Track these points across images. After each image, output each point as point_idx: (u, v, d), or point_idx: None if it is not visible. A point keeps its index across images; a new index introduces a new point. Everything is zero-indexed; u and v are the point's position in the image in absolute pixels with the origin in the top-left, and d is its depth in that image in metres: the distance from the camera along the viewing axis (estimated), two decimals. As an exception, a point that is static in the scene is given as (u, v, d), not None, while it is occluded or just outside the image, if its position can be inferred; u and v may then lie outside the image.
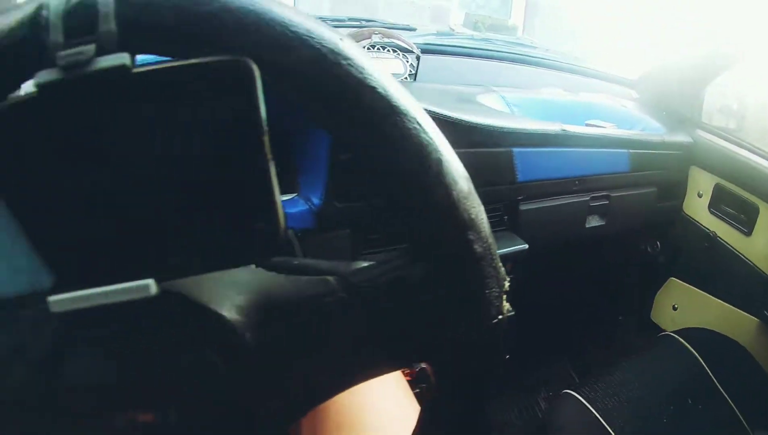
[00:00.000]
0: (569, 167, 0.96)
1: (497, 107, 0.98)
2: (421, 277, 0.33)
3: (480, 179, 0.81)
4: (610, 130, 1.05)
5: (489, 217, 0.70)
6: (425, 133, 0.31)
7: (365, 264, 0.37)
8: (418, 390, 0.95)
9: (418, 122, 0.31)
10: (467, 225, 0.32)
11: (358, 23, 1.09)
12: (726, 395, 1.06)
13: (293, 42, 0.29)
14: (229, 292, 0.34)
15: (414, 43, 0.96)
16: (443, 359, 0.36)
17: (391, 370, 0.37)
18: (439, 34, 1.19)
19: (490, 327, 0.34)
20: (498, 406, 1.33)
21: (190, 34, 0.29)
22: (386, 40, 0.93)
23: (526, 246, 0.87)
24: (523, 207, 0.90)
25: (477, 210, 0.32)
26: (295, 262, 0.55)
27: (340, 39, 0.30)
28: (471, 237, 0.32)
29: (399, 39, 0.96)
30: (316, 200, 0.76)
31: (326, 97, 0.30)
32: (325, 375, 0.36)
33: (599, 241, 1.16)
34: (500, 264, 0.34)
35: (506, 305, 0.34)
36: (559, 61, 1.33)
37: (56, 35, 0.28)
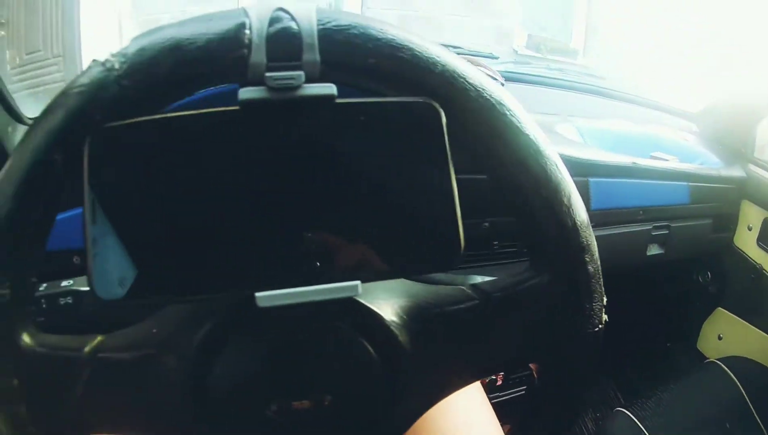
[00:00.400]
0: (636, 197, 1.01)
1: (572, 136, 1.04)
2: (542, 289, 0.39)
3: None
4: (673, 163, 1.11)
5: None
6: (560, 172, 0.38)
7: (491, 278, 0.43)
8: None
9: (555, 163, 0.38)
10: (584, 249, 0.38)
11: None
12: (762, 424, 1.10)
13: (470, 92, 0.35)
14: (389, 297, 0.38)
15: (498, 71, 1.02)
16: (552, 361, 0.43)
17: (505, 369, 0.44)
18: (516, 62, 1.24)
19: (593, 335, 0.40)
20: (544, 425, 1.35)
21: (385, 75, 0.33)
22: (471, 68, 0.98)
23: None
24: (594, 233, 0.95)
25: (592, 237, 0.39)
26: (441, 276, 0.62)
27: (503, 93, 0.36)
28: (586, 259, 0.39)
29: (484, 67, 1.01)
30: None
31: (488, 139, 0.36)
32: (451, 374, 0.41)
33: (655, 269, 1.20)
34: (602, 280, 0.40)
35: (605, 317, 0.41)
36: (626, 92, 1.38)
37: (259, 56, 0.31)
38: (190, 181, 0.31)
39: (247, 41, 0.31)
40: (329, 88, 0.31)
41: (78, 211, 0.65)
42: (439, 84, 0.34)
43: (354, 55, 0.32)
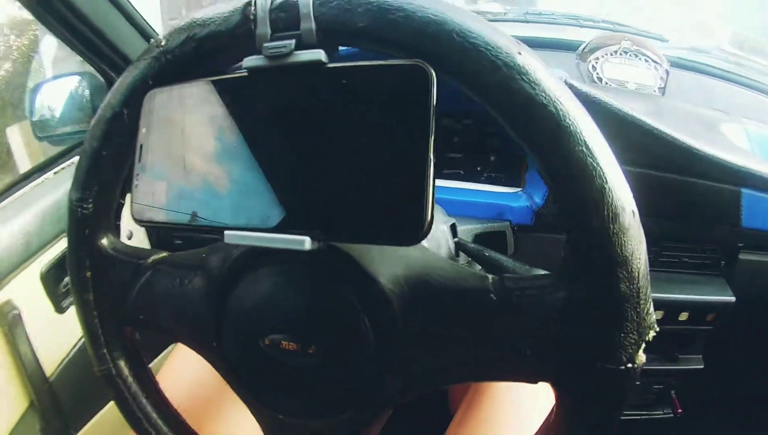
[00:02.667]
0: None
1: (738, 140, 0.90)
2: (562, 303, 0.33)
3: (697, 214, 0.77)
4: None
5: (701, 259, 0.69)
6: (592, 156, 0.31)
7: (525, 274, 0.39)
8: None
9: (586, 144, 0.31)
10: (619, 261, 0.31)
11: (611, 26, 1.06)
12: None
13: (470, 52, 0.31)
14: (392, 263, 0.38)
15: (665, 56, 0.91)
16: (564, 387, 0.36)
17: (510, 379, 0.38)
18: (692, 49, 1.10)
19: (616, 372, 0.33)
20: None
21: (378, 38, 0.34)
22: (635, 47, 0.90)
23: (733, 299, 0.80)
24: (743, 256, 0.82)
25: (635, 247, 0.31)
26: (473, 247, 0.58)
27: (519, 52, 0.31)
28: (620, 274, 0.31)
29: (649, 49, 0.91)
30: (537, 199, 0.77)
31: (499, 104, 0.32)
32: (447, 363, 0.38)
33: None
34: (650, 310, 0.33)
35: (641, 356, 0.33)
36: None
37: (263, 28, 0.35)
38: (210, 135, 0.38)
39: (252, 16, 0.36)
40: (317, 54, 0.34)
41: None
42: (433, 44, 0.32)
43: (345, 19, 0.34)
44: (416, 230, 0.31)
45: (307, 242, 0.34)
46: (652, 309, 0.33)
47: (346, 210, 0.33)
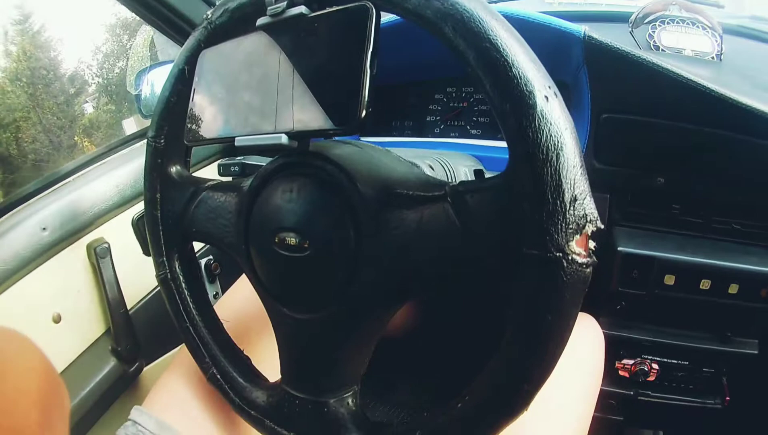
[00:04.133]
0: None
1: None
2: (499, 195, 0.36)
3: (752, 178, 0.74)
4: None
5: (753, 228, 0.81)
6: (497, 51, 0.36)
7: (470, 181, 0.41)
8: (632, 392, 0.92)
9: (490, 41, 0.36)
10: (537, 143, 0.33)
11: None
12: None
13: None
14: (373, 173, 0.46)
15: (721, 23, 0.88)
16: (506, 276, 0.36)
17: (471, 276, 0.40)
18: (754, 18, 1.03)
19: (543, 260, 0.34)
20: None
21: None
22: (685, 13, 0.87)
23: None
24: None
25: (555, 132, 0.34)
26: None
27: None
28: (537, 158, 0.33)
29: (701, 14, 0.88)
30: None
31: (426, 23, 0.39)
32: (411, 265, 0.42)
33: None
34: (584, 201, 0.33)
35: (575, 247, 0.33)
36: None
37: None
38: (236, 77, 0.48)
39: None
40: (300, 9, 0.45)
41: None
42: None
43: None
44: (354, 120, 0.39)
45: (283, 138, 0.43)
46: (585, 199, 0.34)
47: (309, 112, 0.42)
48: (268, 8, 0.46)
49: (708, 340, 0.85)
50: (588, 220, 0.33)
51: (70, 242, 0.90)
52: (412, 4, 0.39)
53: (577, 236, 0.33)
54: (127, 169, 0.99)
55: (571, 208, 0.33)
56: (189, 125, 0.51)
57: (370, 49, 0.39)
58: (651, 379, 0.89)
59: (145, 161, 0.61)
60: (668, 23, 0.87)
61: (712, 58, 0.85)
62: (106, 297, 0.91)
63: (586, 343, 0.75)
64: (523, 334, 0.36)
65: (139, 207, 0.99)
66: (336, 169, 0.45)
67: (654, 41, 0.86)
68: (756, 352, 0.84)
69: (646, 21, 0.87)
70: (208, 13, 0.55)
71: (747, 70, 0.83)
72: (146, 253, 0.97)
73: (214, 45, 0.51)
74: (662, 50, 0.86)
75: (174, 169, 0.61)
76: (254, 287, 0.54)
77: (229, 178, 0.71)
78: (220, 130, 0.49)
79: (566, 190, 0.33)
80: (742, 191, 0.77)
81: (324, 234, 0.45)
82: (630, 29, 0.88)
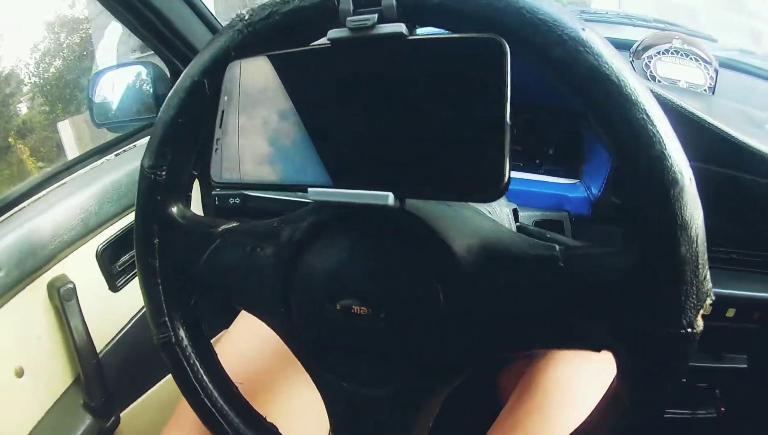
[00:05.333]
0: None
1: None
2: (625, 268, 0.34)
3: (745, 211, 0.76)
4: None
5: (750, 257, 0.67)
6: (652, 124, 0.32)
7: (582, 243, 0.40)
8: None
9: (646, 112, 0.32)
10: (679, 224, 0.32)
11: (662, 25, 1.06)
12: None
13: (539, 26, 0.33)
14: (465, 232, 0.39)
15: (714, 56, 0.90)
16: (627, 354, 0.36)
17: (574, 347, 0.39)
18: (743, 51, 1.10)
19: (677, 337, 0.33)
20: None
21: (454, 11, 0.35)
22: (686, 46, 0.89)
23: None
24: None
25: (693, 211, 0.32)
26: (535, 229, 0.59)
27: (582, 29, 0.33)
28: (680, 237, 0.32)
29: (698, 48, 0.90)
30: (595, 190, 0.77)
31: (564, 75, 0.34)
32: (513, 330, 0.38)
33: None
34: (707, 275, 0.33)
35: (699, 322, 0.33)
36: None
37: (347, 4, 0.37)
38: (289, 100, 0.39)
39: None
40: (399, 27, 0.35)
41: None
42: (505, 18, 0.34)
43: None
44: (496, 187, 0.32)
45: (390, 198, 0.35)
46: (708, 275, 0.33)
47: (428, 168, 0.35)
48: (348, 19, 0.37)
49: (703, 359, 0.88)
50: (708, 293, 0.33)
51: (28, 282, 0.78)
52: (558, 55, 0.33)
53: (702, 310, 0.33)
54: (90, 192, 0.87)
55: (703, 284, 0.33)
56: (221, 161, 0.41)
57: (508, 97, 0.32)
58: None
59: (139, 196, 0.48)
60: (664, 54, 0.89)
61: (705, 90, 0.87)
62: (73, 344, 0.80)
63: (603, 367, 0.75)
64: (641, 404, 0.37)
65: (105, 236, 0.88)
66: (421, 224, 0.38)
67: (650, 71, 0.87)
68: (745, 366, 0.89)
69: (646, 52, 0.89)
70: (244, 12, 0.43)
71: (738, 104, 0.87)
72: (113, 289, 0.88)
73: (249, 55, 0.41)
74: (658, 81, 0.87)
75: (176, 209, 0.49)
76: (295, 353, 0.46)
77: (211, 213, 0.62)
78: (275, 173, 0.39)
79: (701, 267, 0.33)
80: (739, 223, 0.79)
81: (405, 304, 0.39)
82: (630, 59, 0.88)
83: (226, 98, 0.41)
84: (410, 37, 0.36)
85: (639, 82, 0.33)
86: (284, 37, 0.42)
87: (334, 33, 0.37)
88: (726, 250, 0.81)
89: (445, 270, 0.38)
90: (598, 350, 0.36)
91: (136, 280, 0.53)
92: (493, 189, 0.33)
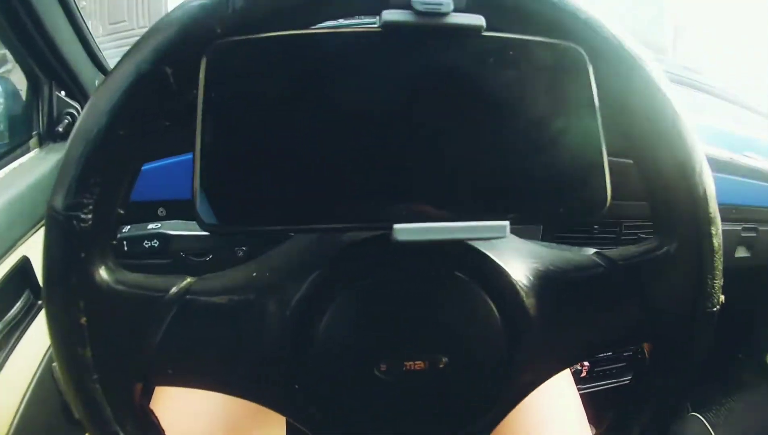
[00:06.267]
0: (730, 195, 0.95)
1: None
2: (668, 260, 0.37)
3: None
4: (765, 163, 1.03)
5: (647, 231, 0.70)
6: (693, 137, 0.35)
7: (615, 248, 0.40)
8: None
9: (689, 128, 0.35)
10: (712, 220, 0.36)
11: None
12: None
13: (612, 43, 0.33)
14: (517, 256, 0.36)
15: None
16: (665, 338, 0.39)
17: (622, 345, 0.42)
18: (685, 68, 1.21)
19: (711, 315, 0.38)
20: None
21: (530, 14, 0.33)
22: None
23: None
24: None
25: (716, 208, 0.36)
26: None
27: (642, 49, 0.35)
28: (713, 231, 0.36)
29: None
30: None
31: (625, 94, 0.34)
32: (571, 346, 0.39)
33: (737, 275, 1.13)
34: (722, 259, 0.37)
35: (722, 297, 0.38)
36: (721, 89, 1.29)
37: None
38: (313, 103, 0.29)
39: None
40: (478, 19, 0.29)
41: (165, 162, 0.66)
42: (583, 30, 0.33)
43: None
44: (603, 201, 0.31)
45: (507, 228, 0.30)
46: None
47: (533, 189, 0.31)
48: (415, 0, 0.29)
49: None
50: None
51: None
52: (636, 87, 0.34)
53: None
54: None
55: (721, 268, 0.37)
56: (204, 192, 0.28)
57: (598, 108, 0.31)
58: (584, 375, 0.98)
59: (48, 257, 0.31)
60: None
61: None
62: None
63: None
64: (678, 385, 0.40)
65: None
66: (478, 255, 0.33)
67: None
68: None
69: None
70: None
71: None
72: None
73: (246, 32, 0.29)
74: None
75: (106, 271, 0.31)
76: (303, 424, 0.36)
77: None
78: (316, 209, 0.29)
79: (721, 253, 0.37)
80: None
81: (468, 343, 0.34)
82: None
83: (210, 94, 0.28)
84: (487, 34, 0.30)
85: (679, 105, 0.35)
86: (301, 15, 0.31)
87: (392, 14, 0.29)
88: (634, 231, 0.89)
89: (505, 300, 0.34)
90: (641, 343, 0.40)
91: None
92: (599, 206, 0.32)
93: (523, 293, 0.35)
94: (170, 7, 0.30)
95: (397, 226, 0.29)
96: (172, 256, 0.62)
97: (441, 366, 0.33)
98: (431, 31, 0.29)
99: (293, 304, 0.32)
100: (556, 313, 0.36)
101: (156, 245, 0.59)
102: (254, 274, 0.35)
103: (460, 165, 0.30)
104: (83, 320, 0.31)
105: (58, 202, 0.30)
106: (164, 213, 0.66)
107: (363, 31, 0.29)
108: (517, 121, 0.30)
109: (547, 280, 0.36)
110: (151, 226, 0.60)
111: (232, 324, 0.33)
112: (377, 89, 0.29)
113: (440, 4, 0.29)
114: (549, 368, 0.39)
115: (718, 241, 0.36)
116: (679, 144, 0.35)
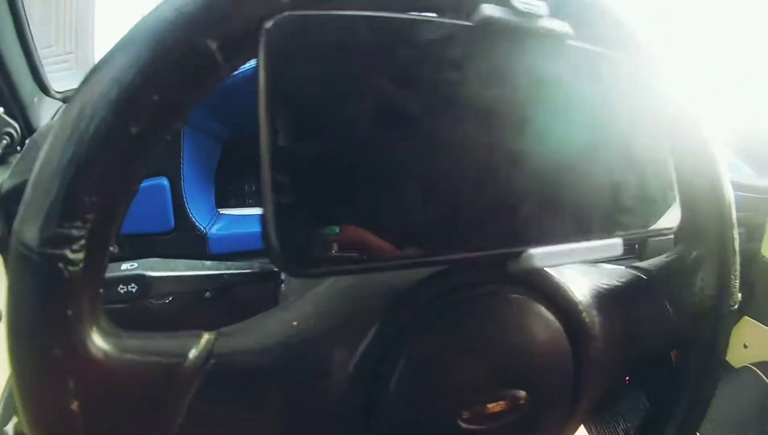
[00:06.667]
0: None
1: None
2: (695, 264, 0.40)
3: None
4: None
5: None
6: (718, 147, 0.39)
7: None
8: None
9: (714, 138, 0.38)
10: (734, 225, 0.40)
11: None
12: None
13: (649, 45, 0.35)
14: (576, 276, 0.35)
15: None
16: (695, 337, 0.41)
17: (662, 352, 0.43)
18: None
19: (732, 312, 0.41)
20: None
21: (604, 34, 0.33)
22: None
23: None
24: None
25: (734, 214, 0.39)
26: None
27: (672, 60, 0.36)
28: (734, 235, 0.39)
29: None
30: None
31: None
32: (621, 361, 0.38)
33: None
34: None
35: (739, 296, 0.41)
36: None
37: None
38: (414, 99, 0.24)
39: None
40: (566, 27, 0.28)
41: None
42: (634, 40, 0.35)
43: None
44: (676, 215, 0.35)
45: (619, 245, 0.30)
46: None
47: (628, 205, 0.31)
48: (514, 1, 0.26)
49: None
50: None
51: None
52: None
53: None
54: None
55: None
56: (281, 217, 0.21)
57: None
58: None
59: (14, 317, 0.22)
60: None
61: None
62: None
63: None
64: (706, 377, 0.43)
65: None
66: (547, 280, 0.32)
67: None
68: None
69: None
70: None
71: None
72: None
73: (318, 7, 0.23)
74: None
75: (99, 334, 0.23)
76: None
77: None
78: (415, 238, 0.24)
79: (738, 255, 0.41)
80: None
81: (547, 377, 0.32)
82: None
83: (278, 85, 0.22)
84: (571, 42, 0.28)
85: (717, 141, 0.39)
86: None
87: (491, 10, 0.26)
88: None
89: (570, 320, 0.33)
90: (674, 347, 0.42)
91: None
92: (674, 220, 0.35)
93: (585, 312, 0.34)
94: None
95: (532, 251, 0.26)
96: (153, 304, 0.51)
97: (521, 403, 0.30)
98: (524, 31, 0.27)
99: (359, 354, 0.27)
100: (612, 329, 0.36)
101: (134, 290, 0.49)
102: (294, 323, 0.28)
103: (562, 180, 0.28)
104: (75, 406, 0.22)
105: (30, 235, 0.20)
106: (116, 250, 0.58)
107: (459, 24, 0.26)
108: (605, 134, 0.30)
109: (600, 297, 0.36)
110: (125, 265, 0.50)
111: (282, 387, 0.26)
112: (479, 90, 0.26)
113: (538, 6, 0.27)
114: (605, 388, 0.38)
115: (737, 244, 0.40)
116: (706, 153, 0.38)
